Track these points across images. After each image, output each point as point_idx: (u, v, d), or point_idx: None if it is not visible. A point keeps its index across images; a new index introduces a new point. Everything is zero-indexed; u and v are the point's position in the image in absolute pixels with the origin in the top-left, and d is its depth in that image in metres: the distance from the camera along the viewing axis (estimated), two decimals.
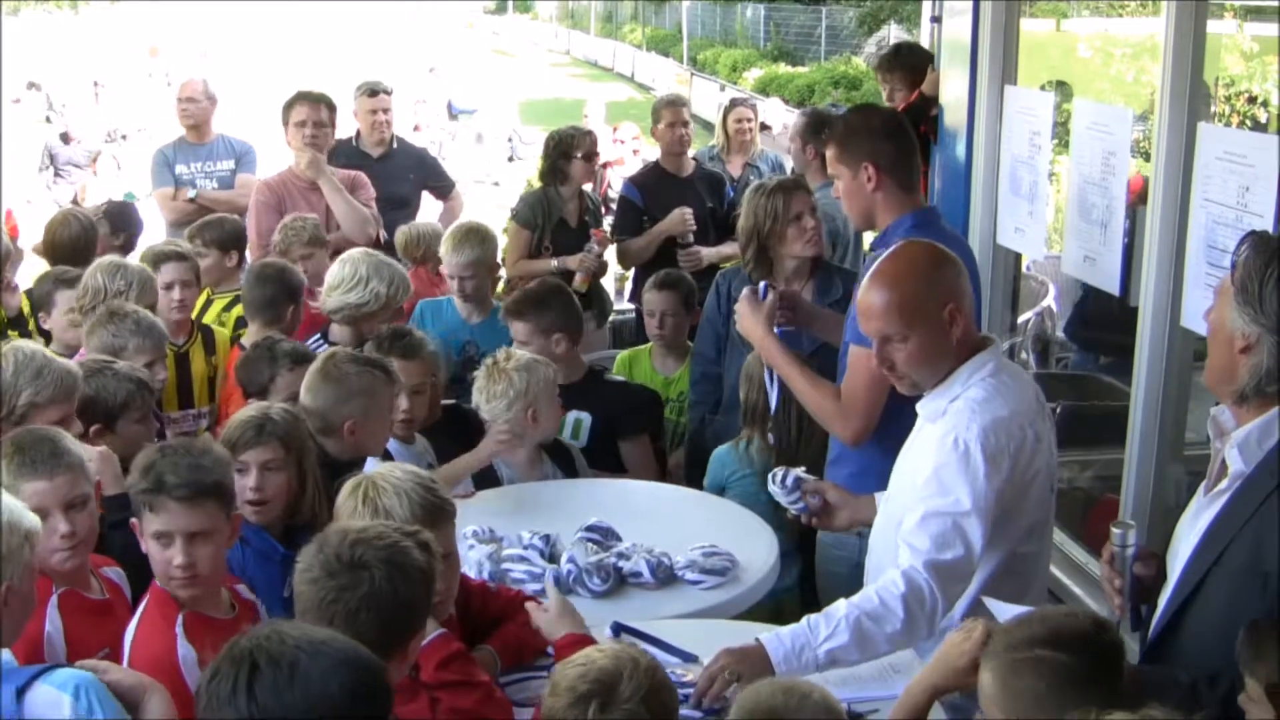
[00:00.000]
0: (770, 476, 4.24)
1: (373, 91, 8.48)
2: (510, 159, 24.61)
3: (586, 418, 5.66)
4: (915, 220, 4.52)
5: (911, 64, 7.55)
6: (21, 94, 31.70)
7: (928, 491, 3.56)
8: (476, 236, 6.64)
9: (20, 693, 2.77)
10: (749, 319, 4.83)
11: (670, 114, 8.20)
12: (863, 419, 4.43)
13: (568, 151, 7.73)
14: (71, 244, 6.94)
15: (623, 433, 5.72)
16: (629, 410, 5.80)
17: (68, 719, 2.75)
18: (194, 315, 6.33)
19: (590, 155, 7.84)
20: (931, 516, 3.52)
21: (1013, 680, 2.69)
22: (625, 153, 14.66)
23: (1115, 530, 3.26)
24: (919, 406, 3.77)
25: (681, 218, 7.79)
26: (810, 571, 4.97)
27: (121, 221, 7.87)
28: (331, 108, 7.75)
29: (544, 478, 5.26)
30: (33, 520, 3.12)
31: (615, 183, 12.06)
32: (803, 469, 4.28)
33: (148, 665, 3.31)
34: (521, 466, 5.24)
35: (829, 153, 4.72)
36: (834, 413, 4.52)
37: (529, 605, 3.81)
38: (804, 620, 3.51)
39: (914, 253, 3.79)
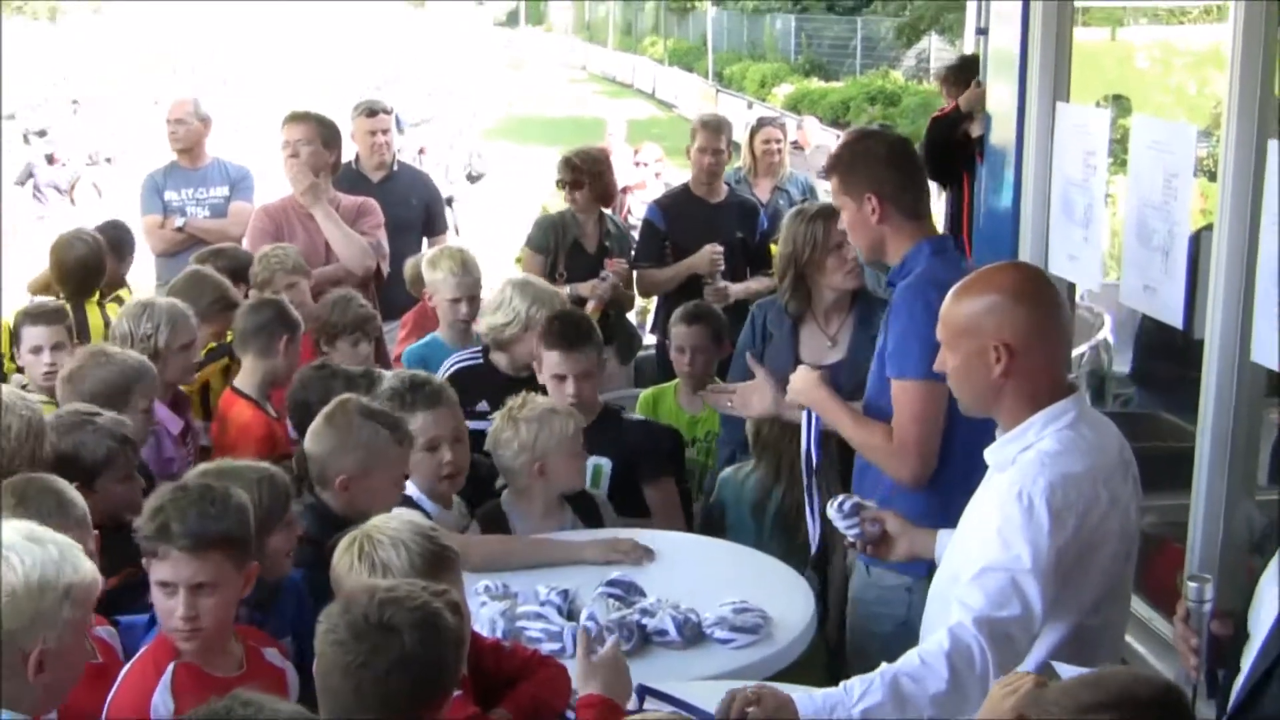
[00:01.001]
0: (830, 501, 4.25)
1: (371, 111, 8.49)
2: (470, 177, 24.43)
3: (606, 464, 5.62)
4: (934, 247, 4.56)
5: (978, 78, 7.55)
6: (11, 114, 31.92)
7: (988, 546, 3.52)
8: (473, 257, 6.72)
9: None
10: (806, 382, 4.82)
11: (704, 137, 8.13)
12: (917, 457, 4.42)
13: (560, 177, 7.84)
14: (80, 265, 6.96)
15: (645, 476, 5.69)
16: (651, 451, 5.76)
17: None
18: None
19: (563, 182, 7.89)
20: (988, 571, 3.48)
21: None
22: (647, 176, 14.63)
23: (1191, 584, 3.21)
24: (987, 454, 3.74)
25: (710, 257, 7.74)
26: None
27: (125, 249, 7.90)
28: (324, 124, 7.72)
29: (561, 528, 5.23)
30: (76, 573, 3.13)
31: (636, 208, 12.03)
32: (872, 501, 4.30)
33: (118, 709, 3.44)
34: (535, 517, 5.21)
35: (831, 185, 4.74)
36: (888, 453, 4.50)
37: (579, 635, 3.82)
38: (840, 685, 3.46)
39: (1003, 278, 3.73)
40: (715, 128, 8.28)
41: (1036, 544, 3.46)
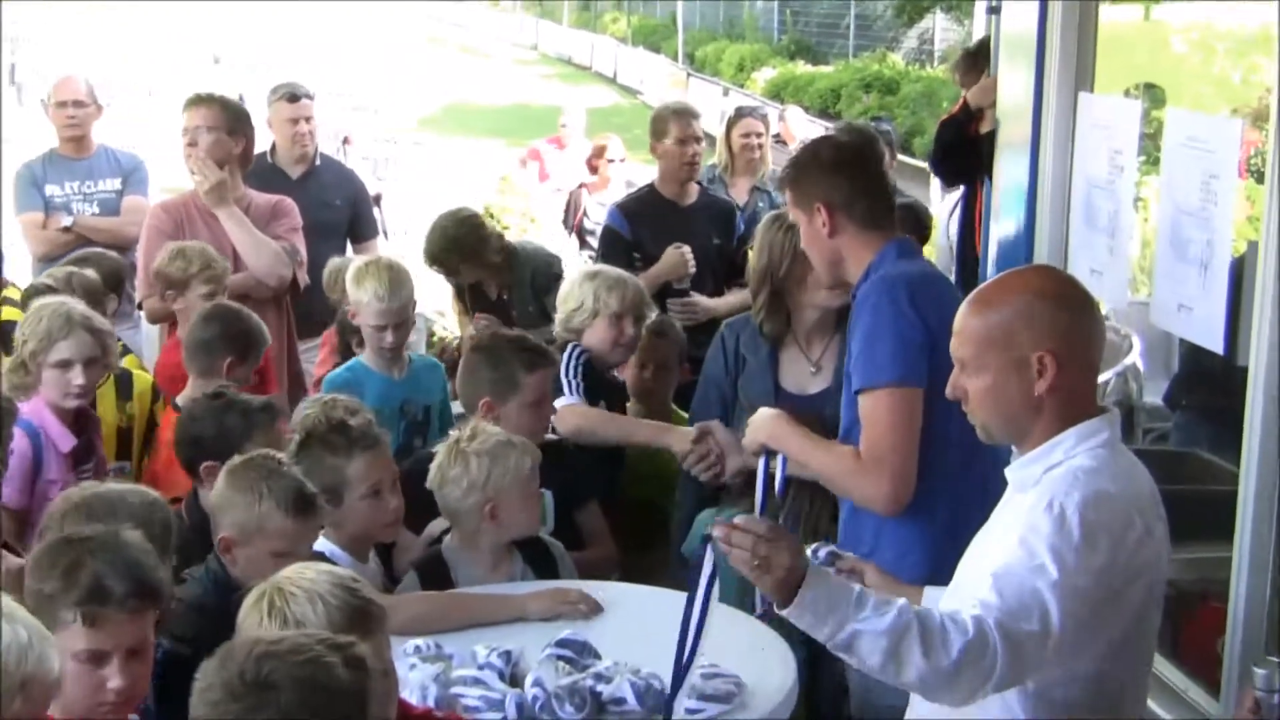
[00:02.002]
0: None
1: (293, 96, 8.46)
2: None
3: (547, 496, 5.62)
4: (899, 250, 4.79)
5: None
6: None
7: (1007, 554, 3.50)
8: (407, 273, 6.77)
9: None
10: (762, 416, 5.03)
11: (680, 127, 8.14)
12: (890, 474, 4.52)
13: None
14: None
15: (577, 500, 5.82)
16: (577, 472, 5.89)
17: None
18: None
19: None
20: (1009, 575, 3.45)
21: None
22: (608, 174, 14.61)
23: (1259, 671, 3.24)
24: (1008, 472, 3.76)
25: (679, 258, 7.75)
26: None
27: None
28: (229, 109, 7.64)
29: (510, 579, 5.23)
30: (40, 665, 3.08)
31: (593, 211, 12.02)
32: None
33: None
34: (483, 566, 5.22)
35: (786, 198, 4.98)
36: (857, 474, 4.62)
37: None
38: (857, 587, 3.47)
39: (1034, 280, 3.82)
40: (690, 114, 8.33)
41: (1064, 557, 3.44)
